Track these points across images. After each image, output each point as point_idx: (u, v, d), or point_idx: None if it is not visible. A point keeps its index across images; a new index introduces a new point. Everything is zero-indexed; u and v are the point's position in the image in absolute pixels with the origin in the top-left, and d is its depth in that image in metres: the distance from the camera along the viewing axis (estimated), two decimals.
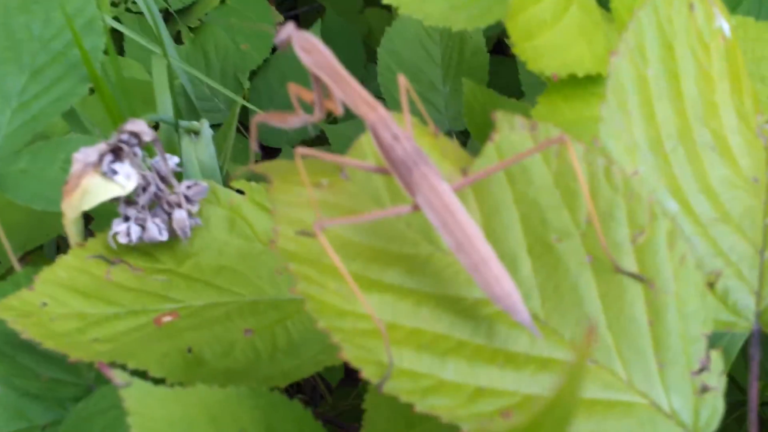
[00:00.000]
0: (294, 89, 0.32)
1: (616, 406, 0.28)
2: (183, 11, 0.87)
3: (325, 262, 0.29)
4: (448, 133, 0.69)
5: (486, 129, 0.46)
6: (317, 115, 0.31)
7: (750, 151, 0.33)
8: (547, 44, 0.41)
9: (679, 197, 0.31)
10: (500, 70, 0.74)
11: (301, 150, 0.29)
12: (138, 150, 0.41)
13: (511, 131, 0.31)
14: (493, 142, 0.31)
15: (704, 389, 0.28)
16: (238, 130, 0.80)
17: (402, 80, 0.31)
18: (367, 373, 0.26)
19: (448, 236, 0.28)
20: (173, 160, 0.43)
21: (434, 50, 0.73)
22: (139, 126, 0.41)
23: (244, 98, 0.83)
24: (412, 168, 0.29)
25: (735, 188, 0.32)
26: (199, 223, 0.42)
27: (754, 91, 0.34)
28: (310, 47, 0.30)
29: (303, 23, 0.92)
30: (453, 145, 0.32)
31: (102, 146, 0.41)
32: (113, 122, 0.52)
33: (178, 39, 0.86)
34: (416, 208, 0.29)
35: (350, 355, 0.27)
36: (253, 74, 0.85)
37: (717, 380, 0.28)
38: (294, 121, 0.31)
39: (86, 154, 0.40)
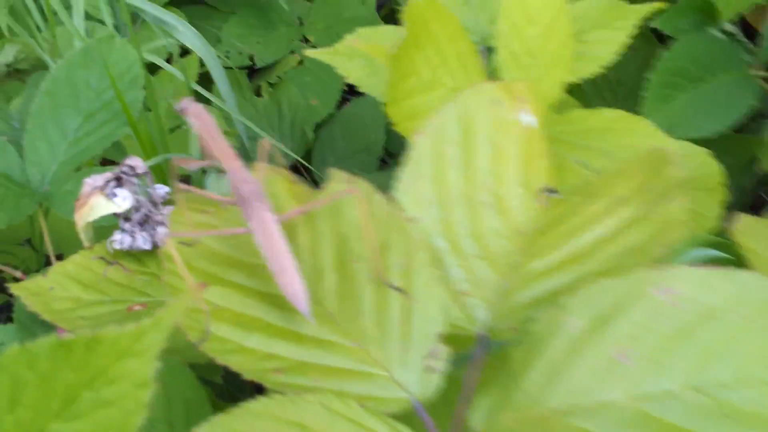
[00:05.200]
0: (178, 161, 0.46)
1: (365, 375, 0.41)
2: (265, 69, 1.04)
3: (192, 264, 0.43)
4: None
5: None
6: (205, 162, 0.45)
7: (525, 211, 0.45)
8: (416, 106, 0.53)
9: (450, 239, 0.44)
10: None
11: (182, 186, 0.43)
12: (134, 179, 0.56)
13: (339, 183, 0.44)
14: (324, 189, 0.44)
15: (429, 369, 0.41)
16: (298, 171, 0.95)
17: (265, 143, 0.45)
18: (192, 336, 0.40)
19: (264, 251, 0.42)
20: (163, 189, 0.57)
21: None
22: (136, 162, 0.56)
23: (308, 147, 0.98)
24: (250, 203, 0.42)
25: (500, 236, 0.44)
26: None
27: (548, 169, 0.47)
28: (198, 114, 0.44)
29: None
30: (305, 190, 0.46)
31: (108, 175, 0.56)
32: (148, 157, 0.68)
33: (258, 92, 1.02)
34: (249, 230, 0.43)
35: (184, 324, 0.41)
36: (319, 126, 1.00)
37: (440, 365, 0.41)
38: (193, 165, 0.46)
39: (95, 180, 0.56)
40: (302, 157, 0.98)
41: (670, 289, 0.39)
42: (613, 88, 0.84)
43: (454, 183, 0.45)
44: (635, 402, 0.38)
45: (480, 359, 0.42)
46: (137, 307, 0.54)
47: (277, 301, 0.42)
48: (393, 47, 0.51)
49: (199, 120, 0.44)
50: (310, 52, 0.62)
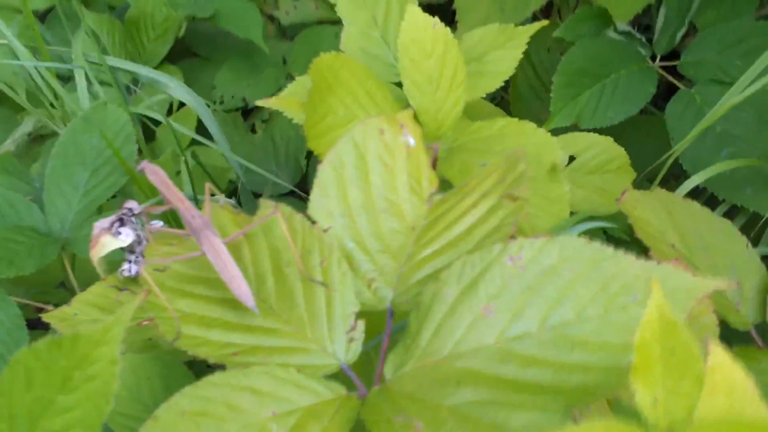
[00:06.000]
0: (150, 209, 0.60)
1: (303, 350, 0.54)
2: (258, 108, 1.18)
3: (165, 284, 0.57)
4: None
5: None
6: (166, 207, 0.59)
7: (415, 211, 0.59)
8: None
9: (357, 239, 0.57)
10: None
11: (152, 226, 0.57)
12: (134, 219, 0.70)
13: (267, 208, 0.58)
14: (257, 215, 0.58)
15: (351, 340, 0.54)
16: (297, 195, 1.09)
17: (207, 186, 0.59)
18: (168, 337, 0.54)
19: (216, 266, 0.55)
20: (158, 224, 0.71)
21: None
22: (132, 204, 0.70)
23: (303, 172, 1.12)
24: (201, 232, 0.56)
25: (397, 233, 0.58)
26: None
27: (432, 177, 0.60)
28: (153, 171, 0.58)
29: None
30: (246, 217, 0.59)
31: (112, 217, 0.70)
32: (146, 198, 0.82)
33: (254, 129, 1.16)
34: (203, 253, 0.56)
35: (161, 328, 0.54)
36: (312, 153, 1.13)
37: (359, 335, 0.54)
38: (158, 209, 0.60)
39: (102, 223, 0.69)
40: (299, 183, 1.12)
41: (518, 257, 0.52)
42: (546, 83, 0.97)
43: (355, 197, 0.58)
44: (502, 343, 0.51)
45: (389, 328, 0.55)
46: (146, 323, 0.68)
47: (231, 304, 0.56)
48: (304, 97, 0.64)
49: (155, 175, 0.58)
50: (260, 102, 0.76)
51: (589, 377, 0.49)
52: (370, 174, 0.59)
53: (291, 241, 0.56)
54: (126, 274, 0.68)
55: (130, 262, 0.69)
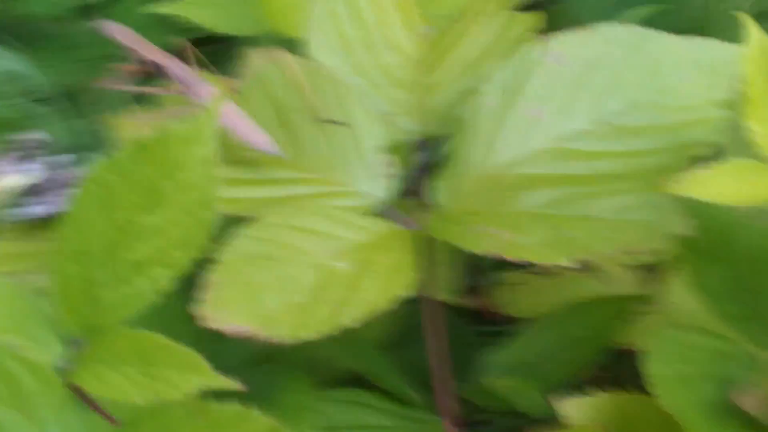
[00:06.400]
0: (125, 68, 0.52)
1: (338, 194, 0.48)
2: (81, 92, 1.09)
3: None
4: None
5: None
6: (137, 71, 0.51)
7: (413, 44, 0.54)
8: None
9: (363, 75, 0.51)
10: None
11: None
12: (39, 151, 0.60)
13: (259, 58, 0.51)
14: (246, 68, 0.51)
15: (388, 176, 0.49)
16: None
17: (186, 44, 0.51)
18: None
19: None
20: (67, 158, 0.61)
21: None
22: (38, 135, 0.60)
23: None
24: (194, 84, 0.49)
25: (402, 66, 0.53)
26: None
27: (422, 15, 0.55)
28: (121, 31, 0.50)
29: None
30: (229, 81, 0.52)
31: (12, 153, 0.60)
32: None
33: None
34: (202, 104, 0.49)
35: None
36: None
37: (395, 170, 0.49)
38: (125, 84, 0.52)
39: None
40: None
41: (557, 54, 0.48)
42: None
43: (352, 34, 0.53)
44: (557, 143, 0.47)
45: (425, 154, 0.50)
46: None
47: (246, 161, 0.49)
48: None
49: (123, 34, 0.50)
50: (165, 8, 0.69)
51: (661, 159, 0.46)
52: (362, 11, 0.54)
53: (299, 84, 0.50)
54: (36, 214, 0.59)
55: (39, 202, 0.59)
